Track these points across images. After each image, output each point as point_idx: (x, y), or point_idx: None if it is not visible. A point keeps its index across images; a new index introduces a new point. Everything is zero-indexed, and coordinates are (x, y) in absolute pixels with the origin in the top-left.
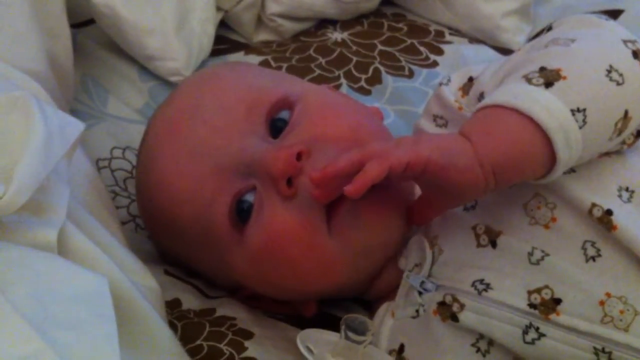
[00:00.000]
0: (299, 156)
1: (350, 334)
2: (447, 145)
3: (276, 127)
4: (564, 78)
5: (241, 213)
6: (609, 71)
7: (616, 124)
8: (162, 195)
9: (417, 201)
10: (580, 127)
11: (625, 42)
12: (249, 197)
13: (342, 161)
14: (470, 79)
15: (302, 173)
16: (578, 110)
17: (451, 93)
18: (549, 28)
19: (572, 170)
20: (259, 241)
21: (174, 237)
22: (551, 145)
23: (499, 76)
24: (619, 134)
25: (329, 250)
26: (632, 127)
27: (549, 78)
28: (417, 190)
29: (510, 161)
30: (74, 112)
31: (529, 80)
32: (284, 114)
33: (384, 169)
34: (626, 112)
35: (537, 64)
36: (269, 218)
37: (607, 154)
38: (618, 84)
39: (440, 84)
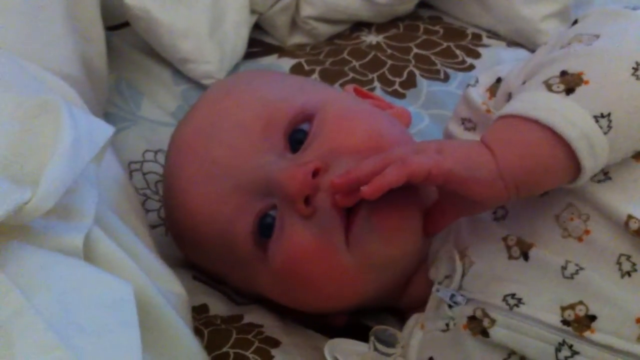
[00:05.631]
0: (315, 173)
1: (379, 346)
2: (469, 157)
3: (296, 140)
4: (586, 82)
5: (263, 232)
6: (635, 69)
7: None
8: (184, 215)
9: (430, 209)
10: (606, 133)
11: None
12: (271, 217)
13: (364, 167)
14: (499, 80)
15: (319, 190)
16: (602, 115)
17: (478, 95)
18: (575, 22)
19: (607, 177)
20: (280, 260)
21: (201, 254)
22: (575, 154)
23: (521, 77)
24: None
25: (348, 268)
26: None
27: (570, 84)
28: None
29: (533, 174)
30: (107, 115)
31: (549, 86)
32: (304, 126)
33: (403, 175)
34: None
35: (558, 67)
36: (289, 238)
37: None
38: None
39: (468, 85)
